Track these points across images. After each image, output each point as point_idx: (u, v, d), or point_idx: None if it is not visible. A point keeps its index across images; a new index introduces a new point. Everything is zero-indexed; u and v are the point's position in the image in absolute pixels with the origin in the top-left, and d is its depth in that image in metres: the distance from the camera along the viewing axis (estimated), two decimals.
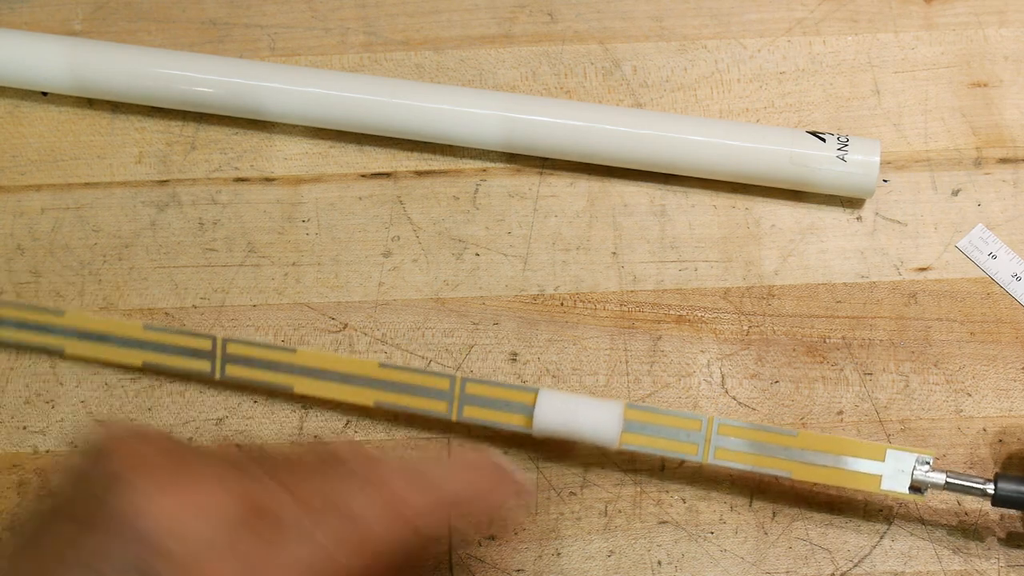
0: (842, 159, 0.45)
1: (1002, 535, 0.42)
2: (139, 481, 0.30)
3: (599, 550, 0.43)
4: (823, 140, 0.46)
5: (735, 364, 0.45)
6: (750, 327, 0.46)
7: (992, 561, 0.42)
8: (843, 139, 0.46)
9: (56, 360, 0.46)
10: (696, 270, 0.47)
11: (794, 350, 0.45)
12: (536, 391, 0.42)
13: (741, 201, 0.48)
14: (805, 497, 0.43)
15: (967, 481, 0.40)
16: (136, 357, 0.45)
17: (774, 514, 0.43)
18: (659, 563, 0.43)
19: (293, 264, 0.47)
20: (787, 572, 0.42)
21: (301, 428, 0.45)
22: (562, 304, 0.46)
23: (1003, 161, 0.48)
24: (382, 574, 0.32)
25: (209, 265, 0.47)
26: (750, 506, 0.43)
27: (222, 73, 0.48)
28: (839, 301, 0.46)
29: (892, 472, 0.40)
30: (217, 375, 0.44)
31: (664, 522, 0.43)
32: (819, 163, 0.46)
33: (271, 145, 0.49)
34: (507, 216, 0.48)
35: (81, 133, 0.50)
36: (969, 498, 0.43)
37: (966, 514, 0.43)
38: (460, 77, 0.50)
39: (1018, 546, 0.42)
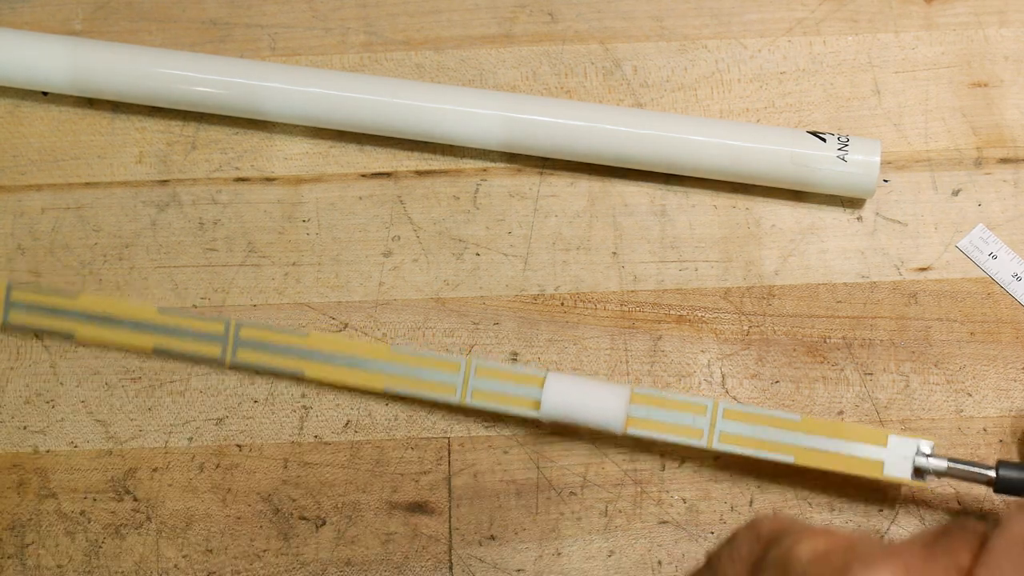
0: (842, 159, 0.45)
1: None
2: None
3: (599, 550, 0.43)
4: (823, 140, 0.46)
5: (735, 364, 0.45)
6: (750, 327, 0.46)
7: None
8: (843, 139, 0.46)
9: (56, 360, 0.46)
10: (696, 270, 0.47)
11: (794, 350, 0.45)
12: (544, 375, 0.42)
13: (741, 201, 0.48)
14: (805, 497, 0.43)
15: (969, 467, 0.40)
16: (148, 341, 0.45)
17: (774, 514, 0.43)
18: (659, 563, 0.43)
19: (293, 264, 0.47)
20: None
21: (301, 429, 0.45)
22: (562, 304, 0.46)
23: (1003, 161, 0.48)
24: None
25: (209, 265, 0.47)
26: (751, 506, 0.43)
27: (223, 73, 0.48)
28: (839, 301, 0.46)
29: (894, 458, 0.41)
30: (228, 360, 0.44)
31: (664, 522, 0.43)
32: (819, 163, 0.46)
33: (271, 145, 0.49)
34: (507, 216, 0.48)
35: (81, 133, 0.50)
36: (970, 497, 0.43)
37: (966, 514, 0.43)
38: (460, 77, 0.50)
39: None
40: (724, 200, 0.48)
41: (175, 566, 0.43)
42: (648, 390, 0.42)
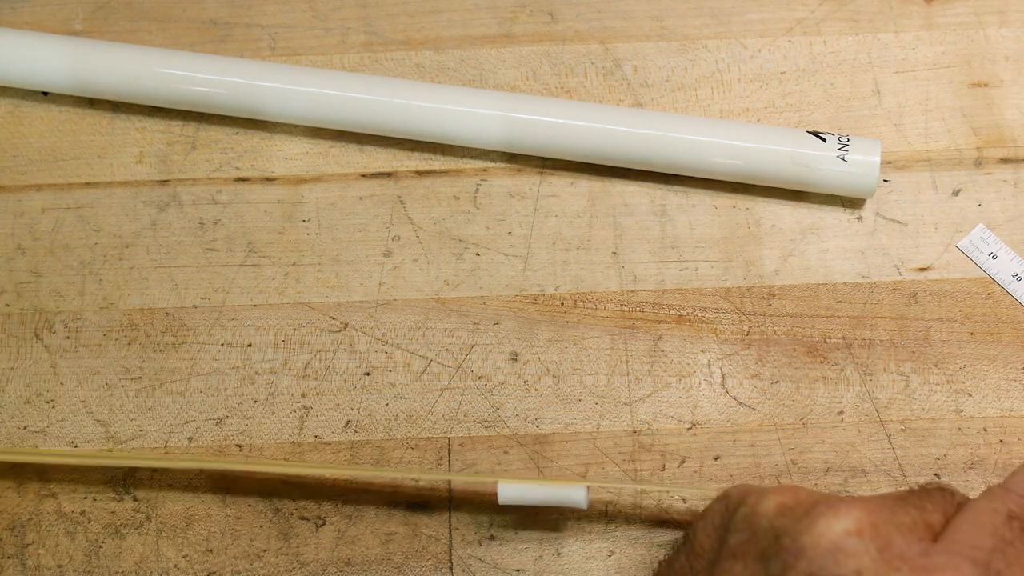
0: (842, 159, 0.45)
1: None
2: (825, 510, 0.33)
3: (599, 550, 0.43)
4: (823, 140, 0.46)
5: (735, 364, 0.45)
6: (750, 327, 0.46)
7: None
8: (844, 139, 0.46)
9: (56, 360, 0.46)
10: (696, 270, 0.47)
11: (794, 350, 0.45)
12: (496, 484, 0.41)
13: (741, 201, 0.48)
14: None
15: None
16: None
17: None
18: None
19: (293, 264, 0.47)
20: None
21: (301, 429, 0.45)
22: (562, 304, 0.46)
23: (1004, 161, 0.48)
24: None
25: (209, 265, 0.47)
26: None
27: (223, 73, 0.48)
28: (839, 301, 0.46)
29: None
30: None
31: (664, 522, 0.43)
32: (820, 163, 0.46)
33: (271, 145, 0.49)
34: (507, 216, 0.48)
35: (81, 133, 0.50)
36: None
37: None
38: (460, 77, 0.50)
39: None
40: (724, 200, 0.48)
41: (175, 566, 0.43)
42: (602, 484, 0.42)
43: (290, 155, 0.49)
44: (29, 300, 0.47)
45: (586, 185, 0.48)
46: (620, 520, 0.43)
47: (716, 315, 0.46)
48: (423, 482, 0.44)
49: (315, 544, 0.43)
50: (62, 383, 0.46)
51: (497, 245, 0.47)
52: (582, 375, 0.45)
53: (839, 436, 0.44)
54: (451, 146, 0.49)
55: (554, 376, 0.45)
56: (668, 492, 0.43)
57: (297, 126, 0.49)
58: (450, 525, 0.43)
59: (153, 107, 0.49)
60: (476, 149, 0.48)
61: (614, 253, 0.47)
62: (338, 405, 0.45)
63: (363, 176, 0.49)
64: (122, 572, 0.43)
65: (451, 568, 0.43)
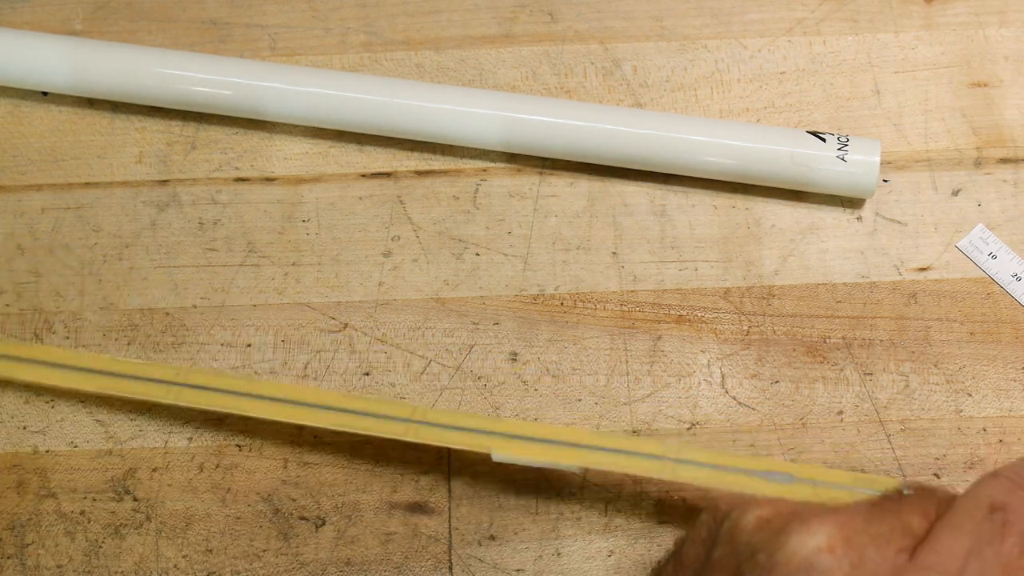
0: (842, 159, 0.45)
1: None
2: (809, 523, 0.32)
3: (599, 550, 0.43)
4: (823, 140, 0.46)
5: (735, 364, 0.45)
6: (750, 327, 0.46)
7: None
8: (843, 139, 0.46)
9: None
10: (696, 270, 0.47)
11: (794, 350, 0.45)
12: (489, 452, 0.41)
13: (741, 201, 0.48)
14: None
15: None
16: (103, 385, 0.44)
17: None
18: (660, 563, 0.43)
19: (293, 264, 0.47)
20: None
21: (301, 429, 0.45)
22: (562, 304, 0.46)
23: (1003, 161, 0.48)
24: None
25: (209, 265, 0.47)
26: None
27: (222, 73, 0.48)
28: (839, 301, 0.46)
29: None
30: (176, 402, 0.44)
31: (664, 522, 0.43)
32: (819, 163, 0.46)
33: (271, 145, 0.49)
34: (507, 216, 0.48)
35: (81, 133, 0.50)
36: None
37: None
38: (460, 77, 0.50)
39: None
40: (724, 200, 0.48)
41: (175, 566, 0.43)
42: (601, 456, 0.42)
43: (290, 155, 0.49)
44: (29, 300, 0.47)
45: (586, 185, 0.48)
46: (620, 520, 0.43)
47: (716, 315, 0.46)
48: (423, 482, 0.44)
49: (315, 544, 0.43)
50: None
51: (497, 245, 0.47)
52: (582, 375, 0.45)
53: (839, 436, 0.44)
54: (451, 146, 0.49)
55: (554, 376, 0.45)
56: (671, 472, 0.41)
57: (297, 126, 0.49)
58: (450, 525, 0.43)
59: (153, 107, 0.49)
60: (476, 149, 0.49)
61: (614, 253, 0.47)
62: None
63: (363, 176, 0.49)
64: (122, 572, 0.43)
65: (451, 568, 0.43)
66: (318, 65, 0.50)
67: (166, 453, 0.45)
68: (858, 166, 0.46)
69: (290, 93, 0.47)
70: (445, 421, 0.42)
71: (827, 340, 0.45)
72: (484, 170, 0.48)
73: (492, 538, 0.43)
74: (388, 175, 0.49)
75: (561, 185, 0.48)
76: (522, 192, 0.48)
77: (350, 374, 0.45)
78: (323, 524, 0.44)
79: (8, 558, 0.43)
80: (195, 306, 0.47)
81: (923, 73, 0.49)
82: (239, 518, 0.44)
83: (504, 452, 0.41)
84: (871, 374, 0.45)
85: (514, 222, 0.48)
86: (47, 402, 0.45)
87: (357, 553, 0.43)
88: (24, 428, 0.45)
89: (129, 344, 0.46)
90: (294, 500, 0.44)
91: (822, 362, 0.45)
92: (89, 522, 0.44)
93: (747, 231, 0.47)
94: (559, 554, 0.43)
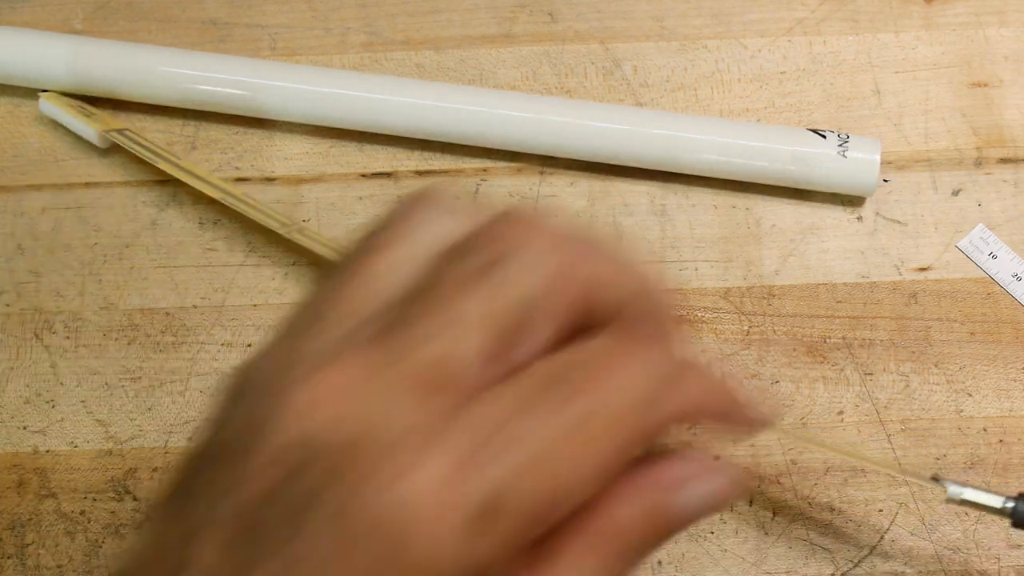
0: (843, 155, 0.45)
1: (1003, 535, 0.42)
2: None
3: None
4: (823, 137, 0.46)
5: (735, 364, 0.45)
6: (750, 327, 0.46)
7: (992, 562, 0.42)
8: (843, 136, 0.46)
9: (56, 360, 0.46)
10: (696, 270, 0.47)
11: (794, 350, 0.45)
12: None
13: (742, 201, 0.48)
14: (805, 497, 0.43)
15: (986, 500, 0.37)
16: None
17: (774, 514, 0.43)
18: (659, 563, 0.43)
19: (293, 264, 0.47)
20: (787, 572, 0.42)
21: None
22: None
23: (1003, 161, 0.48)
24: None
25: (209, 265, 0.47)
26: (750, 506, 0.43)
27: (222, 72, 0.48)
28: (839, 301, 0.46)
29: None
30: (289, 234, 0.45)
31: None
32: (819, 159, 0.46)
33: (272, 145, 0.49)
34: None
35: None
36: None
37: (966, 514, 0.43)
38: (460, 77, 0.50)
39: (1018, 546, 0.42)
40: (724, 199, 0.48)
41: None
42: None
43: (290, 155, 0.49)
44: (29, 300, 0.47)
45: (586, 185, 0.48)
46: None
47: (716, 315, 0.46)
48: None
49: None
50: (62, 383, 0.46)
51: None
52: None
53: (839, 436, 0.44)
54: (451, 145, 0.49)
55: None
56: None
57: (297, 126, 0.49)
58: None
59: (153, 106, 0.49)
60: (476, 148, 0.48)
61: None
62: None
63: (363, 176, 0.49)
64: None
65: None
66: (318, 65, 0.50)
67: (166, 453, 0.45)
68: (858, 162, 0.45)
69: (290, 92, 0.47)
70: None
71: (827, 340, 0.45)
72: (484, 170, 0.48)
73: None
74: (388, 175, 0.49)
75: (561, 185, 0.48)
76: (522, 192, 0.48)
77: None
78: None
79: (8, 558, 0.43)
80: (195, 306, 0.47)
81: (923, 73, 0.49)
82: None
83: None
84: (871, 374, 0.45)
85: None
86: (47, 402, 0.45)
87: None
88: (24, 428, 0.45)
89: (129, 344, 0.46)
90: None
91: (822, 362, 0.45)
92: (89, 522, 0.44)
93: (747, 231, 0.47)
94: None
